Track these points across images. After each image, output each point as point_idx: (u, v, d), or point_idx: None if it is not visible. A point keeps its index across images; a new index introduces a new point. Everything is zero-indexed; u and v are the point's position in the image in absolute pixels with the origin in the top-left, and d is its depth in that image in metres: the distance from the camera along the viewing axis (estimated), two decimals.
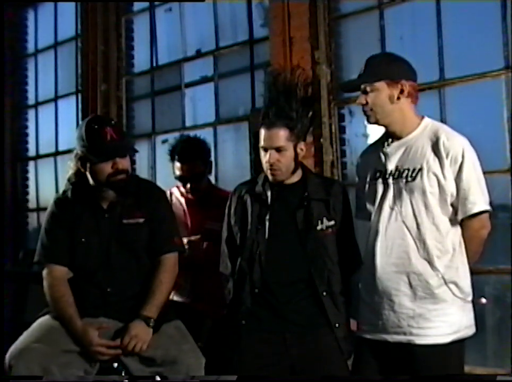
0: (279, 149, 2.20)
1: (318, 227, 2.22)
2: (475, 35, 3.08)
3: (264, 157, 2.22)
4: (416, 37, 3.33)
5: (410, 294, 2.04)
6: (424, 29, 3.28)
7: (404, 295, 2.04)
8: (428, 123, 2.12)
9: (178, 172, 2.83)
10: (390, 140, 2.16)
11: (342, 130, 3.60)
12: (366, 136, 3.59)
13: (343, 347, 2.19)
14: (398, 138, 2.13)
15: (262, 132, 2.22)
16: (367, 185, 2.21)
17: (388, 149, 2.15)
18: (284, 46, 3.59)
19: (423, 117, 2.15)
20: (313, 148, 3.41)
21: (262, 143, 2.23)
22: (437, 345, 2.00)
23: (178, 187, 3.00)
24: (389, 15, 3.42)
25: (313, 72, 3.45)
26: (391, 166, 2.11)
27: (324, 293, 2.20)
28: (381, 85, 2.08)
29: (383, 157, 2.15)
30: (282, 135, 2.19)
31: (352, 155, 3.59)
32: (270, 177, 2.24)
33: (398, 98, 2.08)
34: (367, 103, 2.11)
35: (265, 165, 2.23)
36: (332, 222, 2.24)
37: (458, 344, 2.04)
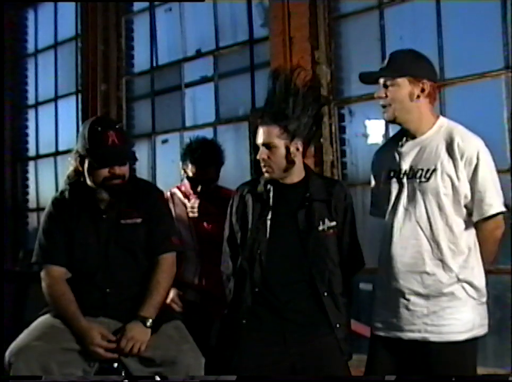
0: (268, 146, 2.20)
1: (320, 228, 2.21)
2: (475, 35, 3.09)
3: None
4: (416, 37, 3.33)
5: (424, 293, 2.04)
6: (424, 29, 3.28)
7: (418, 294, 2.05)
8: (444, 123, 2.10)
9: (190, 174, 2.82)
10: (405, 139, 2.14)
11: (342, 130, 3.61)
12: (366, 136, 3.60)
13: (343, 347, 2.18)
14: (413, 137, 2.11)
15: (258, 129, 2.24)
16: (381, 185, 2.21)
17: (403, 149, 2.13)
18: (284, 46, 3.59)
19: (438, 116, 2.13)
20: (313, 148, 3.41)
21: (256, 140, 2.24)
22: (451, 343, 2.01)
23: (178, 188, 2.99)
24: (389, 15, 3.43)
25: (313, 72, 3.45)
26: (405, 166, 2.10)
27: (325, 294, 2.19)
28: (403, 81, 2.07)
29: (397, 156, 2.14)
30: (272, 131, 2.18)
31: (352, 155, 3.59)
32: (264, 174, 2.25)
33: (418, 97, 2.06)
34: (386, 96, 2.09)
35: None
36: (334, 223, 2.23)
37: (472, 343, 2.04)
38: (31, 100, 5.69)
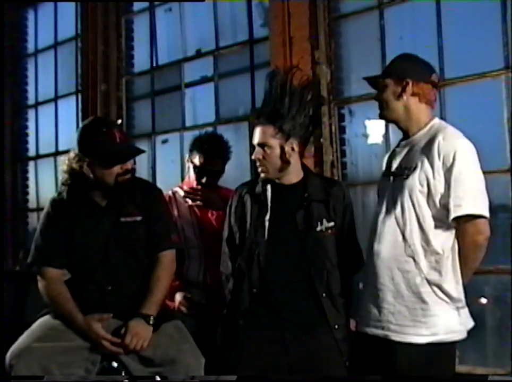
0: (263, 146, 2.21)
1: (318, 228, 2.22)
2: (475, 35, 3.08)
3: None
4: (416, 37, 3.33)
5: (393, 289, 2.05)
6: (424, 29, 3.28)
7: (388, 290, 2.06)
8: (435, 124, 2.13)
9: (198, 163, 2.83)
10: (402, 139, 2.20)
11: (342, 130, 3.61)
12: (366, 136, 3.59)
13: (342, 348, 2.19)
14: (407, 137, 2.16)
15: (255, 129, 2.26)
16: (378, 185, 2.28)
17: (398, 149, 2.20)
18: (284, 46, 3.59)
19: (432, 118, 2.16)
20: (313, 148, 3.41)
21: (253, 140, 2.26)
22: (412, 344, 2.00)
23: (180, 187, 3.00)
24: (389, 15, 3.43)
25: (313, 72, 3.45)
26: (395, 165, 2.16)
27: (324, 294, 2.20)
28: (389, 81, 2.15)
29: (392, 156, 2.21)
30: (267, 131, 2.20)
31: (352, 155, 3.59)
32: (260, 174, 2.26)
33: (400, 95, 2.12)
34: (380, 97, 2.18)
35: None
36: (332, 223, 2.24)
37: (438, 347, 2.00)
38: (31, 100, 5.68)
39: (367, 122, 3.58)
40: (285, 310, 2.19)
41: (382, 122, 3.45)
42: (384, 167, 2.26)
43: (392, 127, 3.30)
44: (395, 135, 3.26)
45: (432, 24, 3.21)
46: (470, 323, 2.10)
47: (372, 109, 3.48)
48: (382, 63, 3.37)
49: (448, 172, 1.99)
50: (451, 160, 1.99)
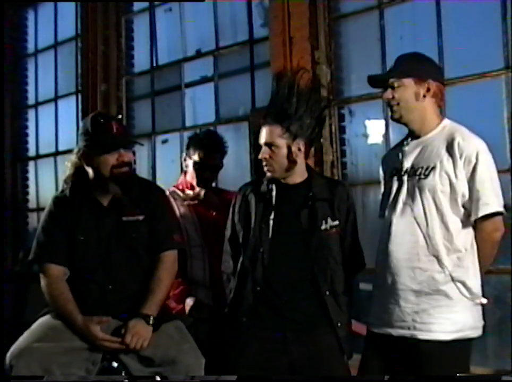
0: (270, 146, 2.21)
1: (323, 227, 2.22)
2: (475, 35, 3.09)
3: None
4: (416, 37, 3.34)
5: (416, 289, 2.05)
6: (424, 29, 3.29)
7: (410, 290, 2.06)
8: (447, 124, 2.14)
9: (197, 159, 2.84)
10: (410, 139, 2.19)
11: (342, 130, 3.61)
12: (366, 136, 3.60)
13: (344, 346, 2.19)
14: (417, 137, 2.15)
15: (261, 129, 2.26)
16: (385, 184, 2.25)
17: (406, 148, 2.18)
18: (284, 46, 3.59)
19: (443, 118, 2.17)
20: (313, 148, 3.41)
21: (259, 140, 2.26)
22: (439, 342, 2.01)
23: (176, 186, 2.99)
24: (389, 15, 3.43)
25: (313, 72, 3.45)
26: (407, 164, 2.14)
27: (327, 292, 2.20)
28: (409, 81, 2.11)
29: (400, 155, 2.19)
30: (274, 131, 2.20)
31: (352, 155, 3.60)
32: (266, 173, 2.27)
33: (424, 96, 2.10)
34: (393, 97, 2.13)
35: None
36: (336, 222, 2.24)
37: (462, 344, 2.04)
38: (31, 100, 5.70)
39: (367, 122, 3.58)
40: (287, 309, 2.19)
41: (382, 122, 3.46)
42: (389, 167, 2.24)
43: (392, 127, 3.31)
44: (395, 135, 3.27)
45: (432, 24, 3.22)
46: (482, 321, 2.12)
47: (372, 109, 3.50)
48: (382, 63, 3.38)
49: (472, 172, 2.02)
50: (474, 160, 2.02)
